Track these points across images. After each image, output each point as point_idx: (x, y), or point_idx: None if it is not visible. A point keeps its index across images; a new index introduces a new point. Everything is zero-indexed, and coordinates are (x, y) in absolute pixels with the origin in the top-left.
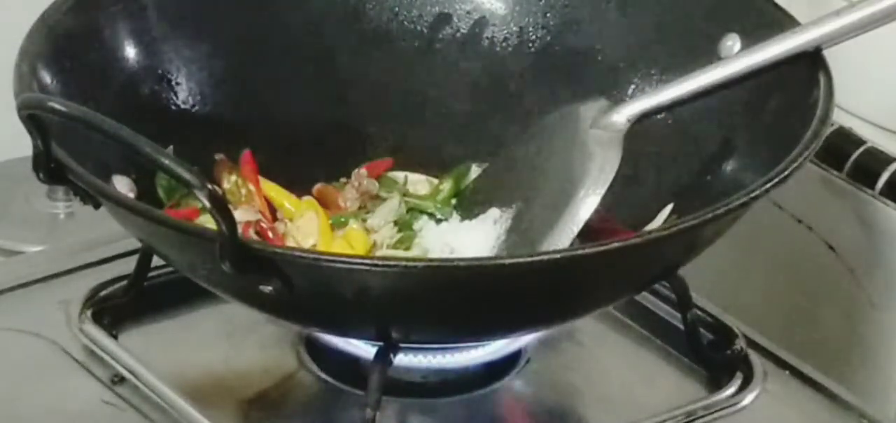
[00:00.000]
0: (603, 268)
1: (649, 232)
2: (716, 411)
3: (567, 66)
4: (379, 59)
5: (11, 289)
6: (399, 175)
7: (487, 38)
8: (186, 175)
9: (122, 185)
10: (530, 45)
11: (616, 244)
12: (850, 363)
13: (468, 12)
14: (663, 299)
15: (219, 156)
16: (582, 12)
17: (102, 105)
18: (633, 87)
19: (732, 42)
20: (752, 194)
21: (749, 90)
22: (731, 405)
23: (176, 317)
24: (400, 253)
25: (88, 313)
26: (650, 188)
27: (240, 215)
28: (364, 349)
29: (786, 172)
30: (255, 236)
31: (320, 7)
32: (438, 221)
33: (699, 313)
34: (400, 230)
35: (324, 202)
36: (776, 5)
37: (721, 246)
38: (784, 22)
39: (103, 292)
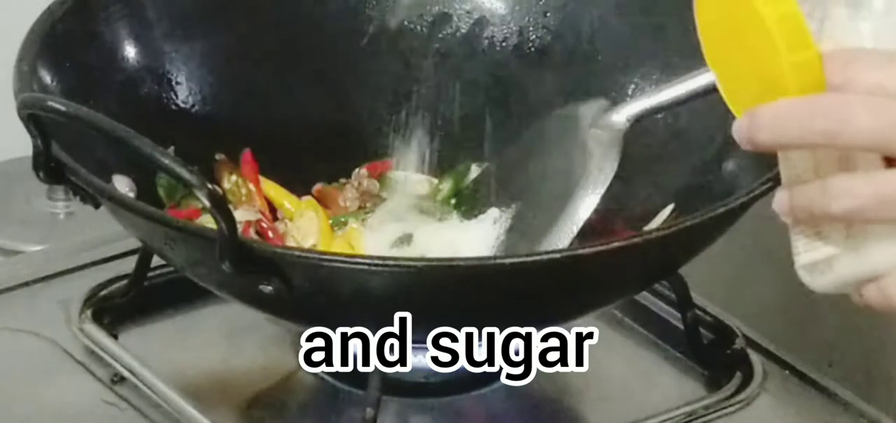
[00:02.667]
0: (603, 268)
1: (649, 232)
2: (716, 410)
3: (567, 66)
4: (379, 59)
5: (11, 289)
6: (399, 175)
7: (487, 38)
8: (186, 175)
9: (122, 185)
10: (530, 45)
11: (616, 244)
12: (850, 363)
13: (468, 12)
14: (663, 299)
15: (219, 156)
16: (582, 12)
17: (102, 105)
18: (633, 87)
19: None
20: (752, 194)
21: None
22: (730, 405)
23: (176, 317)
24: (400, 253)
25: (88, 313)
26: (650, 188)
27: (240, 214)
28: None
29: None
30: (255, 236)
31: (320, 7)
32: (438, 221)
33: (699, 313)
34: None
35: (324, 202)
36: None
37: (721, 246)
38: None
39: (103, 292)
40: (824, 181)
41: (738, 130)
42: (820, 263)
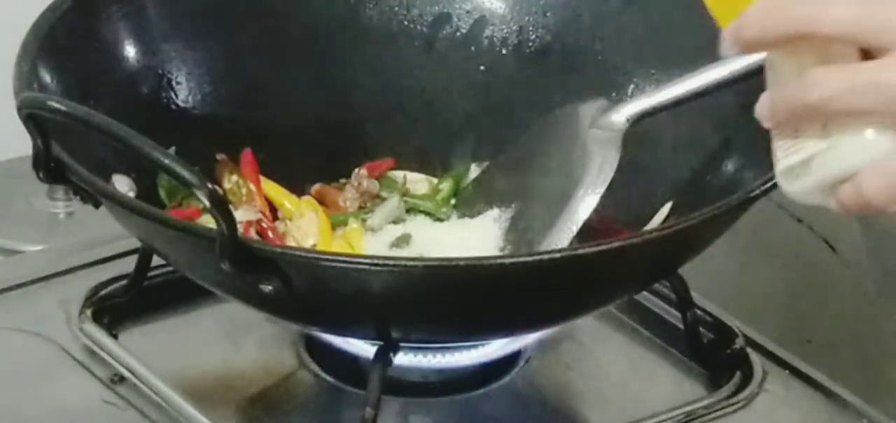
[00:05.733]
0: (603, 268)
1: (649, 232)
2: (715, 410)
3: (567, 67)
4: (379, 59)
5: (11, 289)
6: (399, 175)
7: (487, 37)
8: (186, 175)
9: (122, 184)
10: (530, 44)
11: (616, 244)
12: (850, 363)
13: (468, 12)
14: (663, 298)
15: (220, 156)
16: (582, 12)
17: (102, 105)
18: (632, 86)
19: None
20: (752, 194)
21: (748, 90)
22: (730, 405)
23: (176, 317)
24: (400, 253)
25: (88, 312)
26: (650, 188)
27: (241, 214)
28: (364, 349)
29: None
30: (255, 236)
31: (320, 7)
32: (438, 221)
33: (699, 312)
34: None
35: (324, 202)
36: None
37: (721, 246)
38: None
39: (103, 292)
40: (801, 75)
41: (726, 36)
42: (797, 166)
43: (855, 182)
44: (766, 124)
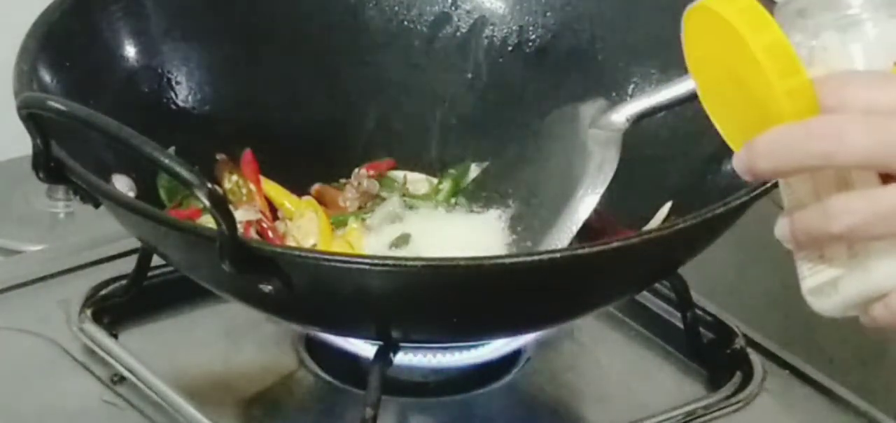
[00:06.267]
0: (603, 268)
1: (649, 232)
2: (715, 410)
3: (567, 66)
4: (379, 59)
5: (11, 289)
6: (399, 175)
7: (487, 37)
8: (186, 175)
9: (122, 184)
10: (530, 44)
11: (616, 244)
12: (850, 362)
13: (468, 12)
14: (663, 298)
15: (220, 156)
16: (582, 12)
17: (102, 104)
18: (633, 86)
19: None
20: (752, 194)
21: None
22: (730, 405)
23: (176, 317)
24: (400, 253)
25: (88, 312)
26: (650, 188)
27: (241, 214)
28: (364, 349)
29: None
30: (255, 236)
31: (320, 7)
32: (437, 221)
33: (699, 312)
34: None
35: (323, 202)
36: (776, 4)
37: (721, 246)
38: None
39: (103, 292)
40: (823, 202)
41: (739, 162)
42: (825, 285)
43: (887, 302)
44: (786, 245)
